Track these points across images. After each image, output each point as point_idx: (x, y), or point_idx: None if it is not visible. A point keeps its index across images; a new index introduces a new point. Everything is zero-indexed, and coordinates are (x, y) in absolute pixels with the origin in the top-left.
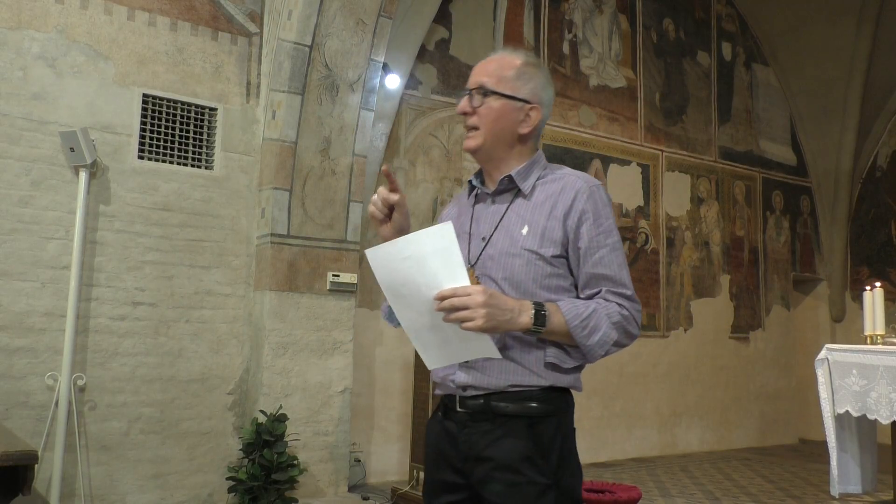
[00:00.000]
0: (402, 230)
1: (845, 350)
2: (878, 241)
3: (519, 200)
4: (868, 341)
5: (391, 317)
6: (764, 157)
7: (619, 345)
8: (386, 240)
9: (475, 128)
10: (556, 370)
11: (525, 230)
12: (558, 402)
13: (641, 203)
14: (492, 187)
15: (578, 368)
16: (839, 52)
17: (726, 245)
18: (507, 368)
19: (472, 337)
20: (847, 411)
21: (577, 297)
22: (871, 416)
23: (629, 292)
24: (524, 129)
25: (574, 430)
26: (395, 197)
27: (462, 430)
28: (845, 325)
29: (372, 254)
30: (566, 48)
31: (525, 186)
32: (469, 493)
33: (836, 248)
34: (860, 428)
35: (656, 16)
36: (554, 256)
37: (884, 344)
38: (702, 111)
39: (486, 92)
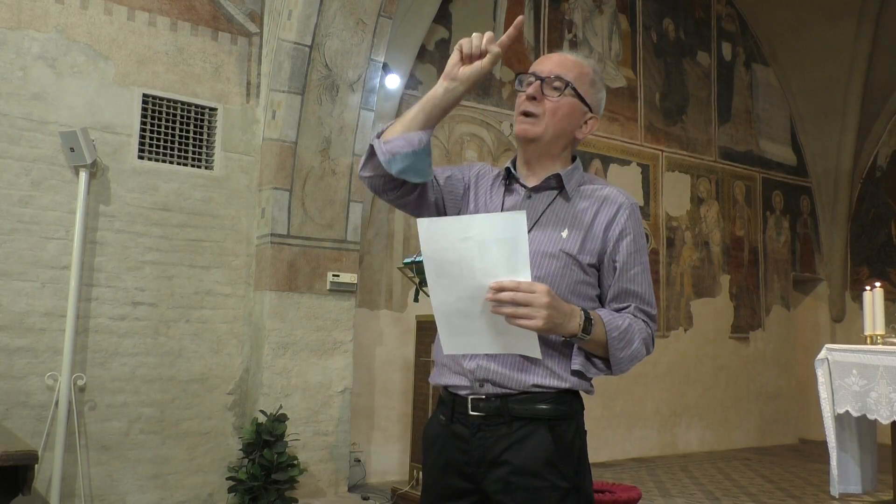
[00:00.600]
0: (470, 85)
1: (845, 350)
2: (878, 241)
3: (559, 202)
4: (868, 341)
5: (383, 154)
6: (764, 157)
7: (639, 361)
8: (450, 78)
9: (535, 115)
10: (578, 377)
11: (565, 233)
12: (573, 404)
13: (641, 203)
14: (531, 182)
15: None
16: (839, 52)
17: (726, 245)
18: (532, 370)
19: (516, 333)
20: (847, 411)
21: (603, 308)
22: (871, 416)
23: (654, 312)
24: (580, 135)
25: (586, 431)
26: (496, 49)
27: (475, 434)
28: (845, 325)
29: (427, 224)
30: (566, 48)
31: (570, 189)
32: (476, 498)
33: (836, 248)
34: (860, 428)
35: (656, 16)
36: (589, 265)
37: (884, 344)
38: (702, 111)
39: (566, 85)
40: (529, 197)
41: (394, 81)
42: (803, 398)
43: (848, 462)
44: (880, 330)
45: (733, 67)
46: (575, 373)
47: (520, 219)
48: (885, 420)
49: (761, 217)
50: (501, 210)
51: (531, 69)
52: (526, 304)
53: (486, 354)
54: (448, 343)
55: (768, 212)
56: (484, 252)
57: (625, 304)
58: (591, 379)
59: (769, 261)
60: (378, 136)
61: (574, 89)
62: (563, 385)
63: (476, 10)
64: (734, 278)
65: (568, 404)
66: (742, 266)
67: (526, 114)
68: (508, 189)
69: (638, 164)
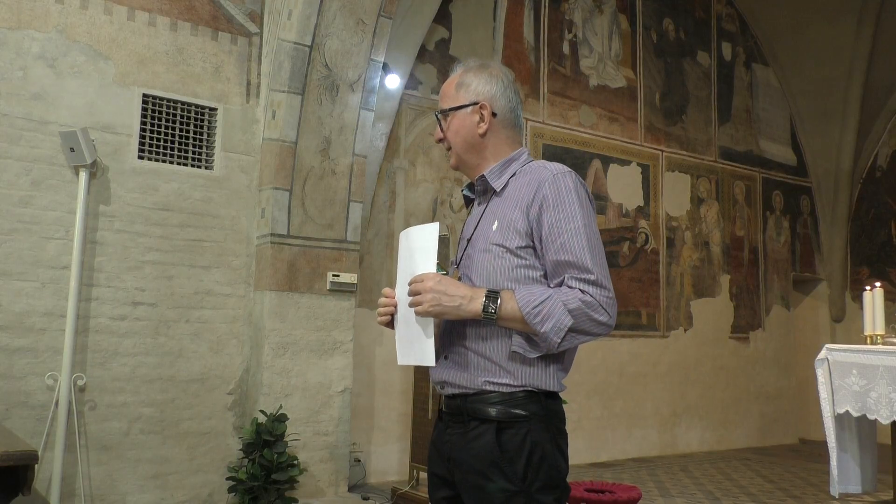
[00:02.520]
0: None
1: (845, 350)
2: (878, 241)
3: (494, 199)
4: (868, 341)
5: None
6: (764, 157)
7: (581, 332)
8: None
9: (449, 149)
10: (524, 363)
11: (495, 226)
12: (534, 409)
13: (641, 203)
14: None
15: (550, 362)
16: (839, 52)
17: (726, 245)
18: (478, 364)
19: (419, 336)
20: (847, 411)
21: (533, 286)
22: (871, 416)
23: (593, 277)
24: (482, 129)
25: (555, 437)
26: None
27: (445, 430)
28: (845, 325)
29: (402, 235)
30: (566, 48)
31: (497, 184)
32: (453, 492)
33: (836, 248)
34: (860, 428)
35: (656, 16)
36: (520, 248)
37: (884, 344)
38: (702, 111)
39: (444, 114)
40: (479, 205)
41: (394, 81)
42: (803, 398)
43: (848, 462)
44: (880, 330)
45: (733, 67)
46: (515, 357)
47: (432, 228)
48: (885, 420)
49: (761, 217)
50: (474, 228)
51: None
52: (416, 293)
53: (444, 358)
54: (398, 353)
55: (768, 212)
56: (411, 260)
57: (560, 278)
58: (542, 367)
59: (769, 261)
60: None
61: (446, 111)
62: (515, 382)
63: (476, 10)
64: (734, 278)
65: (527, 408)
66: (742, 266)
67: (447, 150)
68: (475, 206)
69: (638, 164)
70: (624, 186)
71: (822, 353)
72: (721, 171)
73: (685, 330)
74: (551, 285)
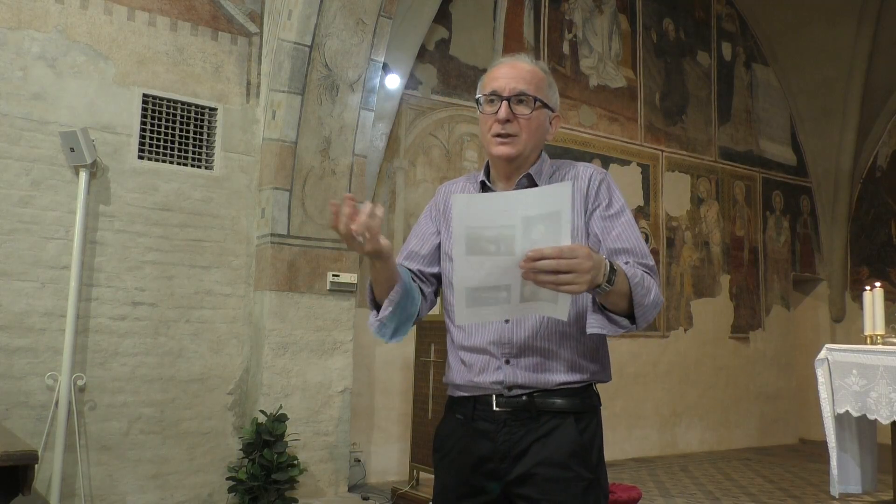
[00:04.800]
0: (385, 249)
1: (845, 350)
2: (878, 241)
3: None
4: (868, 341)
5: (382, 330)
6: (764, 157)
7: (657, 311)
8: (375, 257)
9: (513, 135)
10: (591, 360)
11: None
12: (594, 399)
13: (641, 203)
14: (507, 188)
15: (605, 353)
16: (839, 52)
17: (726, 245)
18: (550, 367)
19: (545, 298)
20: (847, 411)
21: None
22: (871, 416)
23: (651, 262)
24: (549, 138)
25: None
26: (378, 210)
27: (501, 429)
28: (845, 325)
29: (466, 201)
30: (566, 48)
31: (542, 184)
32: (488, 498)
33: (836, 248)
34: (860, 428)
35: (656, 16)
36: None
37: (884, 344)
38: (702, 111)
39: (534, 100)
40: None
41: (394, 81)
42: (803, 398)
43: (848, 462)
44: (880, 330)
45: (733, 67)
46: (583, 353)
47: (565, 190)
48: (885, 420)
49: (761, 217)
50: None
51: (490, 87)
52: (569, 271)
53: (505, 362)
54: (463, 314)
55: (768, 212)
56: (528, 228)
57: (624, 262)
58: (607, 363)
59: (769, 261)
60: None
61: (542, 102)
62: (585, 377)
63: (476, 10)
64: (734, 278)
65: (590, 399)
66: (742, 266)
67: (502, 135)
68: None
69: (638, 164)
70: (624, 186)
71: (822, 353)
72: (721, 171)
73: (685, 330)
74: None
